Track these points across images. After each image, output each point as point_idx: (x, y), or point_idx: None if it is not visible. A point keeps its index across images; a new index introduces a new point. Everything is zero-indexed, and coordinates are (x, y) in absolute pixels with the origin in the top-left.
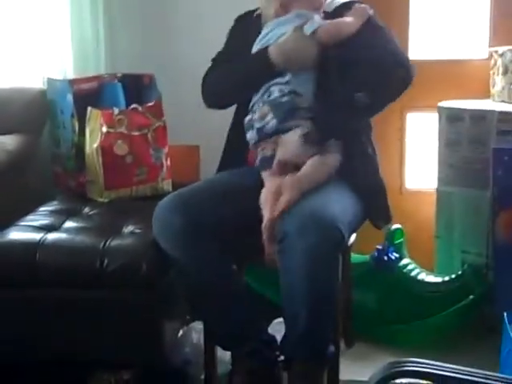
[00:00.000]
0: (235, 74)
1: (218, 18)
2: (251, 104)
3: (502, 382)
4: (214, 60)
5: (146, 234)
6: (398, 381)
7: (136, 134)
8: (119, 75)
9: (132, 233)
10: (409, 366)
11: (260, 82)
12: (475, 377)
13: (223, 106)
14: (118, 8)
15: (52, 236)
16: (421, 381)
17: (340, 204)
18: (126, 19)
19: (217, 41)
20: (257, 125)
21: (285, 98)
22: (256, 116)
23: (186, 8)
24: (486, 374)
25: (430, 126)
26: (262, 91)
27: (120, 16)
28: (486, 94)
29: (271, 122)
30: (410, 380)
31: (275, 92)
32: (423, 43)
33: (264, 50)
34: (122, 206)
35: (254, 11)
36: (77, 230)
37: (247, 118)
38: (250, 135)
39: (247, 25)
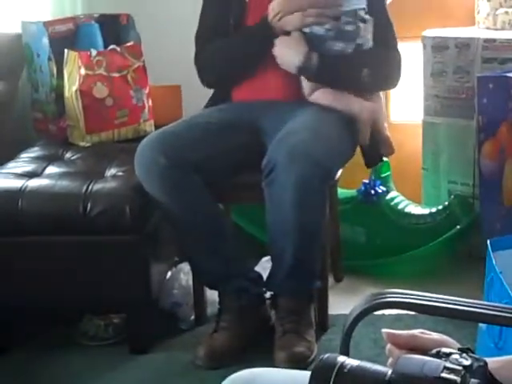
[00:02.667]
0: (236, 48)
1: None
2: None
3: (484, 308)
4: (198, 38)
5: (129, 177)
6: (386, 312)
7: (115, 75)
8: (96, 16)
9: (115, 176)
10: (391, 296)
11: (263, 54)
12: (459, 305)
13: (224, 85)
14: None
15: (33, 183)
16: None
17: (331, 137)
18: None
19: None
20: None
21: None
22: None
23: None
24: (470, 302)
25: (415, 57)
26: None
27: None
28: (471, 22)
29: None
30: (399, 312)
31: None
32: None
33: (266, 21)
34: (104, 150)
35: None
36: (59, 176)
37: None
38: None
39: None
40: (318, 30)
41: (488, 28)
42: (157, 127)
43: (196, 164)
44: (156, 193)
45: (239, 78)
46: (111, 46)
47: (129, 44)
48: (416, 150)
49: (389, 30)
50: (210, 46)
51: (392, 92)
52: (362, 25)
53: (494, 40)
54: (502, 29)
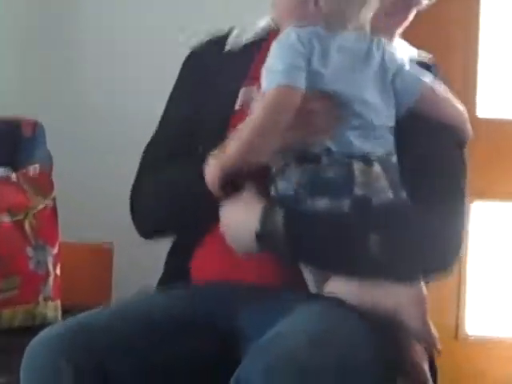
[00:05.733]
0: (187, 179)
1: None
2: None
3: None
4: (151, 146)
5: None
6: None
7: (5, 220)
8: None
9: None
10: None
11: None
12: None
13: (164, 235)
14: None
15: None
16: None
17: (341, 344)
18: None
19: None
20: None
21: None
22: None
23: None
24: None
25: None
26: None
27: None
28: None
29: None
30: None
31: None
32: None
33: None
34: None
35: (225, 36)
36: None
37: None
38: None
39: (214, 64)
40: (286, 187)
41: None
42: (65, 312)
43: (124, 376)
44: None
45: (186, 231)
46: (2, 170)
47: (32, 170)
48: (503, 380)
49: (451, 176)
50: (158, 175)
51: (468, 285)
52: (359, 167)
53: None
54: None
